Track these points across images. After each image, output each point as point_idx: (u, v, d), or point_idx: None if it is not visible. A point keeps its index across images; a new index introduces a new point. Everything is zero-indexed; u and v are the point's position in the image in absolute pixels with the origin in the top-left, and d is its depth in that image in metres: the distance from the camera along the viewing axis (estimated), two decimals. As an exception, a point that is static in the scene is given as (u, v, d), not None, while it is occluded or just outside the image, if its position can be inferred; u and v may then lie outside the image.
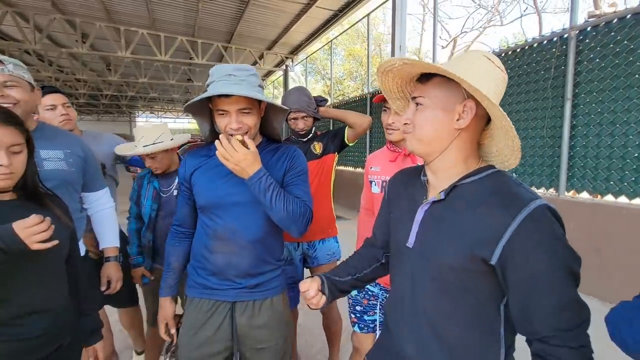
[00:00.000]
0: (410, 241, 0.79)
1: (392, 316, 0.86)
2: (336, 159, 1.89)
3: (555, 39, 3.37)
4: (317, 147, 1.83)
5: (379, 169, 1.45)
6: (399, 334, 0.82)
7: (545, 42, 3.47)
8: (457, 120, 0.73)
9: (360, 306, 1.52)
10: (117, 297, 1.66)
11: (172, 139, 1.68)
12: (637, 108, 2.80)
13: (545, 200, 0.67)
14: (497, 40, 17.35)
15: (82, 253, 1.48)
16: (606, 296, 2.91)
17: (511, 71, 3.79)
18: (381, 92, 0.94)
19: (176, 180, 1.68)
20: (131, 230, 1.81)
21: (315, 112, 1.80)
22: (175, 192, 1.69)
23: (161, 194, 1.70)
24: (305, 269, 1.92)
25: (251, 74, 1.06)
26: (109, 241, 1.58)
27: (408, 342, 0.79)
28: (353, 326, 1.57)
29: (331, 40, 9.40)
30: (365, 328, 1.53)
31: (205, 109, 1.12)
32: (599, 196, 3.17)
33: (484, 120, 0.76)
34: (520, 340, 0.74)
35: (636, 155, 2.82)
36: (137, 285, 1.98)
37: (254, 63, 9.94)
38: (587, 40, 3.15)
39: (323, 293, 0.89)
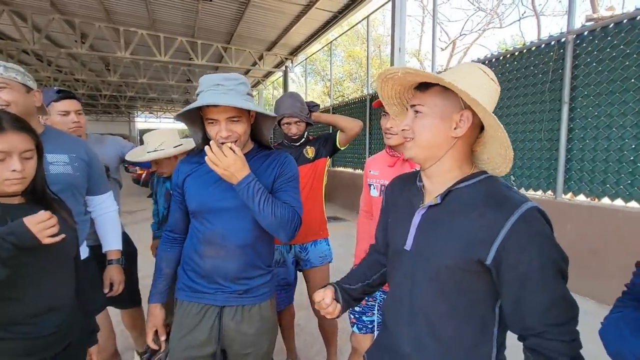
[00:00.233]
0: (408, 244, 0.82)
1: (390, 316, 0.89)
2: (328, 162, 1.93)
3: (552, 43, 3.40)
4: (310, 152, 1.87)
5: (377, 173, 1.47)
6: (397, 333, 0.85)
7: (543, 46, 3.50)
8: (455, 128, 0.76)
9: (359, 307, 1.54)
10: (120, 298, 1.68)
11: (176, 146, 1.72)
12: (633, 112, 2.83)
13: (535, 203, 0.71)
14: (496, 42, 17.44)
15: (86, 255, 1.50)
16: (603, 298, 2.94)
17: (509, 74, 3.82)
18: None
19: None
20: (152, 225, 2.01)
21: (307, 117, 1.84)
22: None
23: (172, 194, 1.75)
24: (298, 272, 1.95)
25: (239, 83, 1.08)
26: (112, 244, 1.60)
27: (405, 340, 0.82)
28: (352, 326, 1.58)
29: (331, 42, 9.42)
30: (364, 329, 1.55)
31: (197, 117, 1.14)
32: (596, 199, 3.20)
33: (478, 128, 0.79)
34: (510, 338, 0.78)
35: (632, 158, 2.85)
36: (140, 287, 2.01)
37: (254, 64, 9.95)
38: (584, 45, 3.18)
39: (337, 301, 0.92)
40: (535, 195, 3.66)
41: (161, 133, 1.76)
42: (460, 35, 16.02)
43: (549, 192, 3.51)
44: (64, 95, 1.71)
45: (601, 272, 2.98)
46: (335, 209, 7.32)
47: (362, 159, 6.92)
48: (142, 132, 23.85)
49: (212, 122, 1.06)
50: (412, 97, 0.82)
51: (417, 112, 0.79)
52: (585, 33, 3.16)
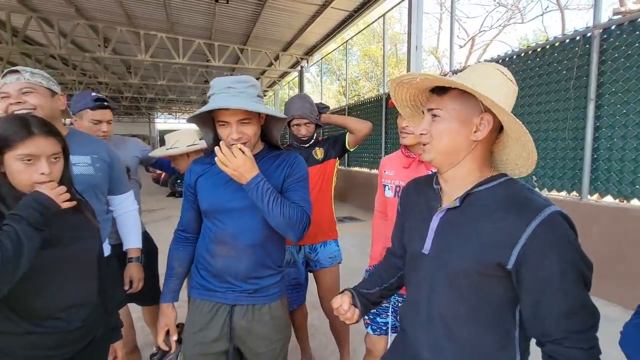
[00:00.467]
0: (426, 247, 0.82)
1: (408, 320, 0.88)
2: (337, 164, 1.94)
3: (578, 38, 3.26)
4: (319, 153, 1.88)
5: (392, 174, 1.45)
6: (415, 338, 0.84)
7: (567, 41, 3.37)
8: (475, 132, 0.75)
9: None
10: (141, 295, 1.73)
11: (189, 145, 1.79)
12: (666, 109, 2.69)
13: (558, 207, 0.69)
14: (517, 38, 16.91)
15: (107, 253, 1.55)
16: (630, 303, 2.81)
17: (531, 71, 3.70)
18: None
19: None
20: None
21: (317, 118, 1.85)
22: None
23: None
24: (308, 272, 1.95)
25: (250, 85, 1.09)
26: (132, 242, 1.64)
27: (424, 345, 0.81)
28: (366, 327, 1.57)
29: (346, 41, 9.39)
30: (378, 330, 1.54)
31: (209, 119, 1.16)
32: (625, 200, 3.06)
33: (497, 129, 0.78)
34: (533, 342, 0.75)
35: (665, 158, 2.71)
36: (161, 284, 2.06)
37: (270, 64, 10.03)
38: (611, 39, 3.04)
39: (355, 306, 0.92)
40: (559, 196, 3.53)
41: (180, 133, 1.86)
42: (480, 31, 15.65)
43: (574, 193, 3.38)
44: (99, 105, 1.75)
45: (629, 277, 2.85)
46: (351, 209, 7.29)
47: (378, 158, 6.87)
48: (162, 132, 24.51)
49: (224, 124, 1.08)
50: (428, 101, 0.81)
51: (434, 116, 0.77)
52: (613, 27, 3.02)
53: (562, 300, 0.66)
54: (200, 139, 1.90)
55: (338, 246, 1.95)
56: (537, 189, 3.66)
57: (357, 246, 4.67)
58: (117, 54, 8.91)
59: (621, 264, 2.90)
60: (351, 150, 1.93)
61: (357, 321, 0.94)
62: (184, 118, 28.71)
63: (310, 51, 9.61)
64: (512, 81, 0.76)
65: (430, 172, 1.30)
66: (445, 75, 0.77)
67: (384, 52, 7.55)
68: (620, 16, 3.08)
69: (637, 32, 2.85)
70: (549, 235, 0.67)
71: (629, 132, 2.92)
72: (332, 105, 17.22)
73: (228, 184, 1.13)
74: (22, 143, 0.89)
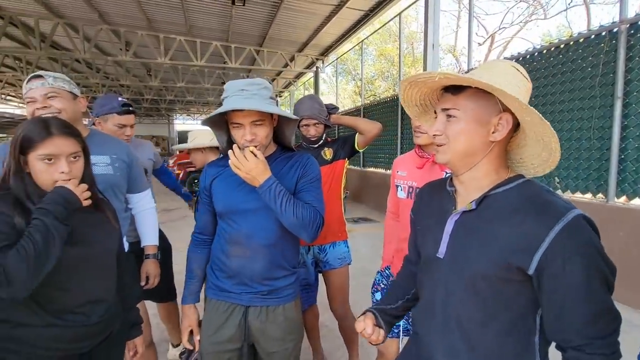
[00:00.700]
0: (441, 251, 0.79)
1: (422, 324, 0.86)
2: (346, 164, 1.94)
3: (603, 33, 3.13)
4: (328, 153, 1.88)
5: (405, 174, 1.43)
6: (429, 342, 0.82)
7: (592, 36, 3.23)
8: (493, 133, 0.72)
9: None
10: (157, 292, 1.77)
11: (195, 143, 2.02)
12: (701, 107, 2.54)
13: (580, 210, 0.67)
14: (540, 35, 16.37)
15: (126, 249, 1.59)
16: (662, 313, 2.67)
17: (554, 69, 3.57)
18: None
19: None
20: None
21: (326, 119, 1.86)
22: None
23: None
24: (318, 273, 1.95)
25: (262, 88, 1.11)
26: (150, 239, 1.69)
27: (439, 350, 0.80)
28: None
29: (362, 41, 9.34)
30: (390, 333, 1.52)
31: (222, 122, 1.18)
32: (655, 203, 2.91)
33: (513, 129, 0.75)
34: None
35: (699, 158, 2.56)
36: (176, 282, 2.09)
37: (285, 65, 10.09)
38: (639, 35, 2.90)
39: (379, 327, 0.90)
40: (584, 198, 3.39)
41: (199, 131, 2.06)
42: (499, 28, 15.25)
43: (600, 195, 3.23)
44: (125, 110, 1.80)
45: (661, 284, 2.71)
46: (366, 210, 7.25)
47: (393, 159, 6.77)
48: (181, 133, 25.07)
49: (237, 126, 1.10)
50: (441, 100, 0.78)
51: (450, 116, 0.74)
52: (641, 22, 2.89)
53: (586, 307, 0.65)
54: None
55: (347, 247, 1.95)
56: (559, 191, 3.53)
57: (371, 247, 4.64)
58: (138, 57, 9.18)
59: (651, 270, 2.76)
60: (360, 150, 1.93)
61: (383, 341, 0.91)
62: (202, 119, 29.23)
63: (326, 51, 9.61)
64: (527, 79, 0.74)
65: (445, 173, 1.27)
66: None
67: (399, 51, 7.46)
68: (650, 10, 2.93)
69: (669, 26, 2.71)
70: (573, 241, 0.64)
71: (659, 131, 2.78)
72: (348, 105, 17.18)
73: (242, 186, 1.15)
74: (43, 143, 0.93)
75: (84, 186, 1.00)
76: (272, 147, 1.23)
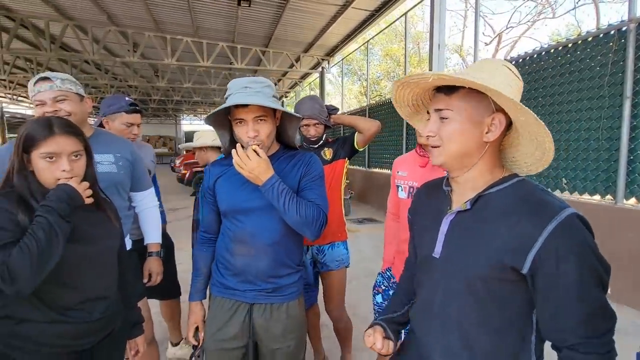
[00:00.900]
0: (437, 251, 0.80)
1: (418, 324, 0.86)
2: (347, 164, 1.94)
3: (612, 32, 3.08)
4: (328, 153, 1.89)
5: (406, 174, 1.42)
6: (426, 343, 0.82)
7: (601, 35, 3.18)
8: (486, 133, 0.72)
9: None
10: (161, 289, 1.79)
11: (198, 143, 2.14)
12: None
13: (574, 209, 0.67)
14: (548, 34, 16.14)
15: (129, 247, 1.61)
16: (672, 317, 2.61)
17: (561, 68, 3.52)
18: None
19: None
20: None
21: (326, 119, 1.87)
22: None
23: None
24: (317, 273, 1.95)
25: (265, 86, 1.13)
26: (152, 237, 1.71)
27: (436, 349, 0.79)
28: None
29: (367, 41, 9.32)
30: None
31: (225, 121, 1.20)
32: (665, 205, 2.85)
33: (506, 128, 0.74)
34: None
35: None
36: (181, 280, 2.13)
37: (291, 66, 10.11)
38: (651, 33, 2.85)
39: (389, 338, 0.90)
40: (591, 200, 3.34)
41: (203, 132, 2.20)
42: (507, 28, 15.09)
43: (608, 196, 3.18)
44: (132, 109, 1.85)
45: (671, 288, 2.65)
46: (371, 210, 7.23)
47: (398, 159, 6.76)
48: (187, 133, 25.26)
49: (241, 122, 1.11)
50: (434, 101, 0.77)
51: (442, 117, 0.74)
52: (652, 19, 2.83)
53: (580, 306, 0.64)
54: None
55: (347, 249, 1.94)
56: (567, 192, 3.48)
57: (375, 248, 4.62)
58: (145, 59, 9.27)
59: (661, 273, 2.70)
60: (360, 150, 1.93)
61: (394, 350, 0.91)
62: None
63: (332, 52, 9.61)
64: (519, 77, 0.74)
65: (446, 173, 1.27)
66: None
67: (405, 51, 7.43)
68: (661, 8, 2.88)
69: (680, 24, 2.66)
70: (567, 240, 0.64)
71: (670, 131, 2.72)
72: (353, 105, 17.15)
73: (245, 185, 1.16)
74: (45, 142, 0.95)
75: (86, 184, 1.01)
76: (275, 146, 1.24)
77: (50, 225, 0.88)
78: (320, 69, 10.42)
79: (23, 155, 0.96)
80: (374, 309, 1.57)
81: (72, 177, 0.98)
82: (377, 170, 7.85)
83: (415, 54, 15.76)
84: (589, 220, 0.68)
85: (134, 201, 1.66)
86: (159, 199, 2.52)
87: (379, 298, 1.58)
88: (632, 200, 3.05)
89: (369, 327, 0.92)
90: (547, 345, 0.73)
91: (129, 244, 1.62)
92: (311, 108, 1.81)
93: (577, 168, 3.41)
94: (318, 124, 1.84)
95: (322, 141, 1.91)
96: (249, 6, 6.59)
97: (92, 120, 2.35)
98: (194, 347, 1.36)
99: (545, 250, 0.65)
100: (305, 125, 1.84)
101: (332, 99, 16.60)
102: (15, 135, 1.02)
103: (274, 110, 1.15)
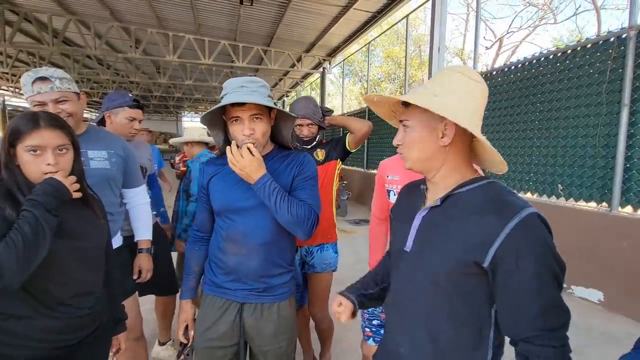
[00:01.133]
0: (408, 245, 0.84)
1: (390, 317, 0.91)
2: (339, 165, 1.94)
3: (612, 39, 3.08)
4: (320, 154, 1.89)
5: (398, 178, 1.42)
6: (395, 335, 0.87)
7: (600, 42, 3.19)
8: (442, 138, 0.78)
9: (378, 320, 1.51)
10: (159, 285, 1.79)
11: (186, 137, 2.43)
12: None
13: (535, 209, 0.71)
14: (550, 39, 16.14)
15: (120, 243, 1.61)
16: (664, 326, 2.61)
17: (560, 74, 3.53)
18: None
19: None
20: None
21: (320, 120, 1.86)
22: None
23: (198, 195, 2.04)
24: (304, 274, 1.95)
25: (261, 86, 1.14)
26: (143, 234, 1.71)
27: (403, 342, 0.84)
28: (367, 339, 1.54)
29: (369, 42, 9.32)
30: (374, 340, 1.52)
31: (219, 120, 1.21)
32: (660, 213, 2.85)
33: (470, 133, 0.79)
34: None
35: None
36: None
37: (292, 65, 10.12)
38: (650, 41, 2.85)
39: (351, 301, 0.99)
40: (587, 207, 3.34)
41: (191, 129, 2.46)
42: (507, 32, 15.10)
43: (603, 204, 3.18)
44: (135, 105, 1.88)
45: (663, 297, 2.65)
46: (368, 212, 7.17)
47: (397, 161, 6.76)
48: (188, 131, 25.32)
49: (236, 120, 1.11)
50: (399, 113, 0.86)
51: (405, 126, 0.83)
52: (652, 28, 2.83)
53: (535, 301, 0.68)
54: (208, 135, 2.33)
55: (336, 253, 1.94)
56: (563, 198, 3.48)
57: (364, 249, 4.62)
58: (147, 55, 9.28)
59: (654, 282, 2.70)
60: (352, 151, 1.93)
61: (354, 316, 0.98)
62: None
63: (333, 52, 9.61)
64: (477, 81, 0.78)
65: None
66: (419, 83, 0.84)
67: (406, 53, 7.43)
68: (660, 16, 2.88)
69: (679, 33, 2.66)
70: (526, 237, 0.68)
71: (666, 140, 2.72)
72: (354, 106, 17.14)
73: (239, 184, 1.16)
74: (29, 135, 0.94)
75: (73, 178, 1.00)
76: (269, 146, 1.25)
77: (36, 219, 0.88)
78: (321, 69, 10.42)
79: (9, 149, 0.96)
80: (364, 317, 1.55)
81: (57, 171, 0.97)
82: (375, 171, 7.82)
83: (417, 57, 15.77)
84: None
85: (125, 198, 1.67)
86: (161, 200, 2.52)
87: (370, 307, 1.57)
88: (628, 208, 3.05)
89: (341, 296, 0.99)
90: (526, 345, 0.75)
91: (120, 240, 1.63)
92: (305, 107, 1.81)
93: (573, 174, 3.41)
94: (312, 124, 1.83)
95: (315, 142, 1.91)
96: (251, 5, 6.59)
97: (94, 115, 2.43)
98: (183, 346, 1.36)
99: (505, 246, 0.68)
100: (299, 125, 1.83)
101: (332, 100, 16.61)
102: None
103: (269, 110, 1.16)
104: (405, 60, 7.29)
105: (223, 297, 1.19)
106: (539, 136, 3.75)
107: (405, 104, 0.82)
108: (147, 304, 2.30)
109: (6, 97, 17.11)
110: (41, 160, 0.96)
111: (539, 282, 0.67)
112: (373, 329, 1.51)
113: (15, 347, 0.96)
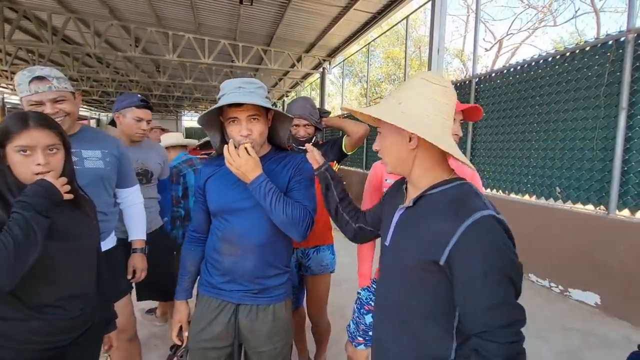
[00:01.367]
0: (388, 240, 0.93)
1: (376, 305, 1.00)
2: (336, 167, 1.91)
3: (610, 42, 3.08)
4: None
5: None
6: (378, 321, 0.96)
7: (599, 45, 3.19)
8: (409, 142, 0.84)
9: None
10: (162, 290, 1.77)
11: (164, 142, 2.57)
12: None
13: (493, 212, 0.75)
14: (551, 41, 16.16)
15: (113, 244, 1.61)
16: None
17: (558, 77, 3.53)
18: None
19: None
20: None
21: (317, 121, 1.85)
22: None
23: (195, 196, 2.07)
24: (301, 276, 1.94)
25: (258, 87, 1.14)
26: (137, 234, 1.71)
27: (383, 328, 0.93)
28: (357, 346, 1.48)
29: (369, 43, 9.32)
30: (364, 344, 1.50)
31: (216, 121, 1.20)
32: (657, 217, 2.85)
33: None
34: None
35: None
36: None
37: (292, 65, 10.11)
38: (648, 44, 2.85)
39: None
40: (584, 210, 3.34)
41: (167, 135, 2.72)
42: (507, 34, 15.11)
43: (600, 207, 3.18)
44: (144, 105, 1.89)
45: (660, 300, 2.65)
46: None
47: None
48: (188, 130, 25.31)
49: (234, 121, 1.12)
50: (377, 120, 0.91)
51: (379, 133, 0.90)
52: (650, 31, 2.83)
53: (484, 298, 0.71)
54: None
55: (333, 254, 1.93)
56: (560, 201, 3.48)
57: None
58: (147, 54, 9.25)
59: (650, 285, 2.70)
60: (349, 153, 1.91)
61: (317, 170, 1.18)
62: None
63: (333, 53, 9.60)
64: (444, 85, 0.83)
65: None
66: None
67: (405, 54, 7.43)
68: (658, 20, 2.88)
69: (677, 37, 2.66)
70: (477, 237, 0.72)
71: (664, 144, 2.72)
72: (353, 107, 17.09)
73: (236, 185, 1.16)
74: (19, 135, 0.94)
75: (64, 179, 1.00)
76: (266, 147, 1.25)
77: (26, 221, 0.87)
78: (321, 69, 10.41)
79: None
80: (360, 329, 1.45)
81: (48, 172, 0.97)
82: (374, 172, 7.84)
83: (417, 58, 15.77)
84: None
85: (119, 197, 1.66)
86: (172, 205, 2.44)
87: (368, 318, 1.44)
88: (625, 212, 3.05)
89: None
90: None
91: (114, 240, 1.62)
92: (302, 108, 1.80)
93: (571, 177, 3.41)
94: (308, 125, 1.82)
95: (311, 143, 1.90)
96: (251, 5, 6.58)
97: (94, 114, 2.45)
98: (176, 347, 1.35)
99: (459, 245, 0.73)
100: (296, 125, 1.82)
101: (332, 100, 16.60)
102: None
103: (267, 111, 1.17)
104: (405, 61, 7.29)
105: (218, 297, 1.19)
106: (537, 138, 3.75)
107: None
108: (141, 303, 2.30)
109: (5, 95, 17.07)
110: (31, 160, 0.95)
111: (487, 280, 0.71)
112: (366, 338, 1.46)
113: (3, 349, 0.96)
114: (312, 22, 7.57)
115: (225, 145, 1.10)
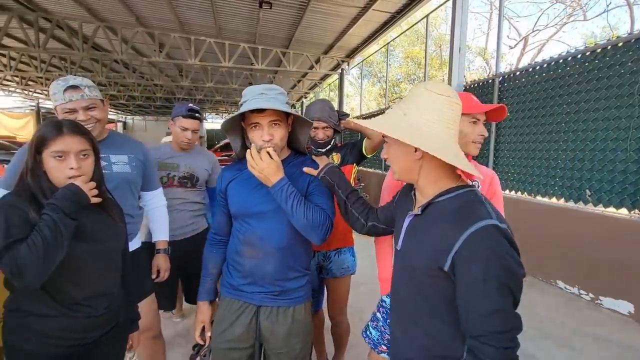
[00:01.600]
0: (399, 245, 0.96)
1: (391, 303, 1.03)
2: (355, 170, 1.91)
3: (646, 37, 2.92)
4: (335, 158, 1.88)
5: None
6: (393, 320, 1.01)
7: (632, 41, 3.02)
8: (415, 152, 0.86)
9: None
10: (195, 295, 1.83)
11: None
12: None
13: (496, 221, 0.76)
14: (581, 36, 15.46)
15: (139, 245, 1.67)
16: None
17: (588, 74, 3.37)
18: None
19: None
20: None
21: (336, 124, 1.85)
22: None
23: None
24: (322, 279, 1.94)
25: (279, 93, 1.16)
26: (160, 235, 1.77)
27: (397, 326, 0.97)
28: (380, 353, 1.47)
29: (388, 43, 9.23)
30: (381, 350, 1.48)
31: (238, 126, 1.24)
32: (699, 222, 2.67)
33: None
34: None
35: None
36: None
37: (311, 67, 10.15)
38: (688, 38, 2.68)
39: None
40: (617, 214, 3.17)
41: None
42: (533, 31, 14.58)
43: (635, 210, 3.01)
44: (190, 115, 1.97)
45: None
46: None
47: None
48: (209, 132, 25.85)
49: (256, 126, 1.15)
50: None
51: (386, 142, 0.94)
52: (691, 24, 2.66)
53: (481, 303, 0.74)
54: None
55: (353, 256, 1.93)
56: (591, 204, 3.32)
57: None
58: (170, 59, 9.55)
59: (691, 295, 2.53)
60: (369, 156, 1.90)
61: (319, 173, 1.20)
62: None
63: (352, 53, 9.57)
64: (449, 95, 0.84)
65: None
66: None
67: (425, 53, 7.30)
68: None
69: None
70: (478, 245, 0.75)
71: None
72: (373, 107, 17.02)
73: (257, 188, 1.19)
74: (54, 141, 1.00)
75: (92, 184, 1.06)
76: (285, 151, 1.28)
77: (54, 222, 0.93)
78: (339, 70, 10.40)
79: (36, 156, 1.01)
80: (383, 338, 1.42)
81: (80, 175, 1.03)
82: (393, 174, 7.74)
83: (437, 57, 15.48)
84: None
85: (143, 200, 1.72)
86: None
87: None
88: (663, 216, 2.87)
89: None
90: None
91: (139, 242, 1.68)
92: (321, 110, 1.80)
93: (602, 180, 3.25)
94: (327, 127, 1.82)
95: (330, 145, 1.90)
96: (270, 8, 6.66)
97: (121, 117, 2.53)
98: (199, 347, 1.39)
99: (461, 252, 0.76)
100: (314, 127, 1.82)
101: (351, 101, 16.54)
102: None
103: (287, 116, 1.19)
104: (425, 60, 7.16)
105: (240, 299, 1.22)
106: (566, 139, 3.60)
107: None
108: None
109: (40, 100, 18.03)
110: (65, 165, 1.02)
111: (486, 287, 0.74)
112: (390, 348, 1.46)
113: (34, 344, 1.01)
114: (330, 23, 7.58)
115: (248, 150, 1.12)
